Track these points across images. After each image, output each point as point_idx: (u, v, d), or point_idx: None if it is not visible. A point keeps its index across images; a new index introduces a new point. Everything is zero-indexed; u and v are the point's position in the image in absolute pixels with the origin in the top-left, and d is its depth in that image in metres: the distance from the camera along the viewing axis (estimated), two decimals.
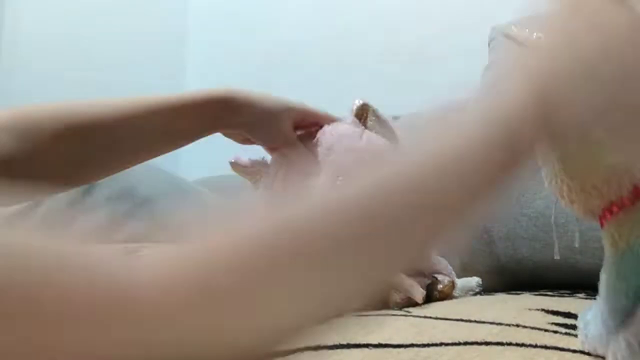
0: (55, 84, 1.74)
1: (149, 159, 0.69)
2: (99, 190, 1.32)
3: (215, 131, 0.68)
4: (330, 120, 0.70)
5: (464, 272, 0.75)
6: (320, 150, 0.65)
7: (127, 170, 1.41)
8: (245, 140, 0.71)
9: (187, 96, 0.64)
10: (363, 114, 0.67)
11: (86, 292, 0.24)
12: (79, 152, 0.60)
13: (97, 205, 1.32)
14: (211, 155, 1.99)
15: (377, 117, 0.67)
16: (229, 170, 1.93)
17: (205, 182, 1.73)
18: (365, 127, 0.66)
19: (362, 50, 1.58)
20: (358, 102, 0.68)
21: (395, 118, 1.24)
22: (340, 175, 0.59)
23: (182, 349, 0.26)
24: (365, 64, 1.57)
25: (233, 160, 0.73)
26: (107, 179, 1.31)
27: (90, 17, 1.89)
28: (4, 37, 1.71)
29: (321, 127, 0.69)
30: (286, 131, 0.67)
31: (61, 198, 1.24)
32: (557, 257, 0.59)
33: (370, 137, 0.65)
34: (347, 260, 0.28)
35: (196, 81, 1.95)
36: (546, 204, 0.60)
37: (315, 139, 0.67)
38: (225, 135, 0.71)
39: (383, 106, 1.34)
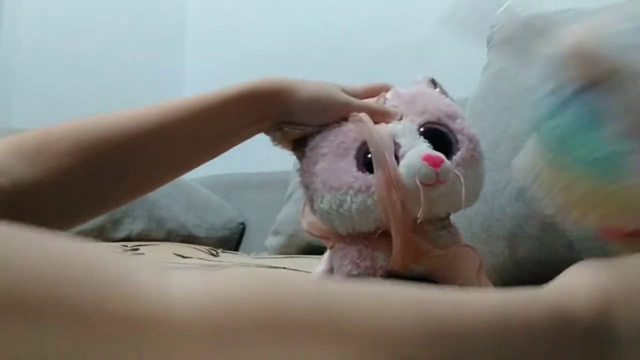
0: (55, 83, 1.74)
1: (185, 168, 0.60)
2: None
3: (259, 126, 0.59)
4: (387, 88, 0.64)
5: None
6: (398, 102, 0.60)
7: None
8: (283, 140, 0.62)
9: (222, 95, 0.57)
10: (435, 85, 0.64)
11: (119, 308, 0.24)
12: (99, 172, 0.53)
13: None
14: None
15: (445, 91, 0.64)
16: (229, 170, 1.92)
17: (205, 182, 1.74)
18: (442, 93, 0.63)
19: (362, 50, 1.59)
20: (426, 76, 0.64)
21: None
22: (431, 120, 0.57)
23: None
24: (365, 63, 1.57)
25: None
26: None
27: (90, 17, 1.89)
28: (4, 37, 1.71)
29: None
30: (341, 99, 0.60)
31: None
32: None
33: (450, 100, 0.62)
34: None
35: (196, 81, 1.95)
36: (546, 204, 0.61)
37: (385, 99, 0.62)
38: (274, 138, 0.62)
39: None
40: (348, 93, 0.62)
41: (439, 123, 0.57)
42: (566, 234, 0.69)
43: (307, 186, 0.60)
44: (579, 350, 0.35)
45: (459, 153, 0.56)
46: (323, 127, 0.60)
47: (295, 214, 1.23)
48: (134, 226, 1.37)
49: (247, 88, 0.57)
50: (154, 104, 0.55)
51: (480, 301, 0.33)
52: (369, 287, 0.32)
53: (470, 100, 0.94)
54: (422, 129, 0.57)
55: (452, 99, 0.62)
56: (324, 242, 0.62)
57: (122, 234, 1.35)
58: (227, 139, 0.59)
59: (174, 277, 0.27)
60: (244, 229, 1.63)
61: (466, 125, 0.58)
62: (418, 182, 0.53)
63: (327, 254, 0.63)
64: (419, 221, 0.54)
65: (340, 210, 0.56)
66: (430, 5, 1.53)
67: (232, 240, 1.58)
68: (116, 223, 1.35)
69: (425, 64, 1.45)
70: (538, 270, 0.71)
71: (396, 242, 0.54)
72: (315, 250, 1.22)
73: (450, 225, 0.60)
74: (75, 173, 0.52)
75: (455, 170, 0.54)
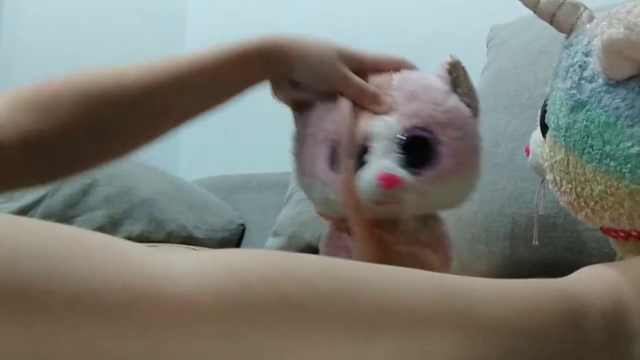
0: None
1: (188, 121, 0.61)
2: (99, 190, 1.33)
3: (261, 82, 0.60)
4: (404, 65, 0.62)
5: (462, 273, 0.75)
6: (397, 93, 0.57)
7: (127, 170, 1.41)
8: (284, 97, 0.63)
9: (222, 52, 0.57)
10: (454, 72, 0.58)
11: (121, 290, 0.24)
12: (105, 124, 0.54)
13: (97, 205, 1.32)
14: (211, 155, 1.99)
15: (468, 83, 0.58)
16: (228, 171, 1.92)
17: (205, 182, 1.74)
18: (455, 89, 0.58)
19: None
20: (451, 58, 0.58)
21: None
22: (419, 125, 0.55)
23: None
24: None
25: None
26: (107, 178, 1.32)
27: (89, 17, 1.89)
28: (4, 37, 1.71)
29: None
30: (339, 70, 0.58)
31: (60, 198, 1.24)
32: (535, 242, 0.59)
33: (456, 102, 0.57)
34: None
35: None
36: (545, 204, 0.60)
37: (391, 80, 0.59)
38: (275, 93, 0.62)
39: None
40: (353, 60, 0.61)
41: (426, 129, 0.54)
42: (566, 234, 0.69)
43: (298, 155, 0.61)
44: (594, 339, 0.35)
45: (436, 167, 0.54)
46: (325, 96, 0.59)
47: (295, 216, 1.23)
48: (134, 227, 1.37)
49: (252, 45, 0.58)
50: (165, 57, 0.57)
51: (526, 295, 0.36)
52: (367, 266, 0.33)
53: None
54: (404, 136, 0.54)
55: (470, 88, 0.58)
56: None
57: (122, 235, 1.35)
58: (231, 92, 0.60)
59: (175, 256, 0.28)
60: (244, 230, 1.63)
61: (460, 135, 0.55)
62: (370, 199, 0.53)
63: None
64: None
65: (310, 193, 0.59)
66: (430, 5, 1.53)
67: (232, 241, 1.58)
68: (116, 224, 1.35)
69: (425, 64, 1.45)
70: (538, 270, 0.71)
71: (356, 236, 0.55)
72: (315, 251, 1.22)
73: (428, 221, 0.59)
74: (84, 123, 0.53)
75: (412, 191, 0.53)
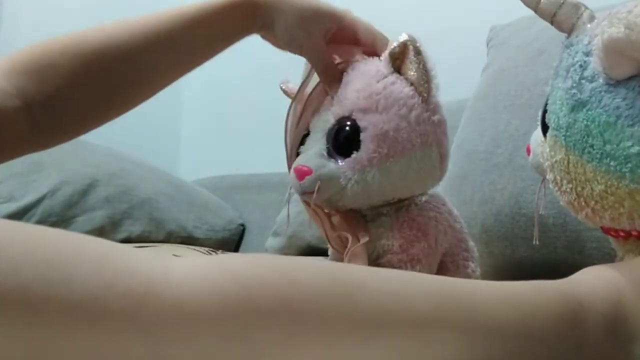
0: None
1: (182, 73, 0.63)
2: (99, 190, 1.33)
3: (250, 33, 0.62)
4: (373, 42, 0.63)
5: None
6: (346, 76, 0.59)
7: (127, 170, 1.41)
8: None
9: (211, 4, 0.59)
10: (401, 54, 0.57)
11: (123, 291, 0.24)
12: (103, 83, 0.56)
13: (97, 205, 1.32)
14: (211, 155, 1.99)
15: (419, 60, 0.57)
16: (228, 171, 1.92)
17: (205, 182, 1.74)
18: (399, 70, 0.57)
19: None
20: (401, 38, 0.57)
21: None
22: (344, 114, 0.57)
23: None
24: None
25: (282, 86, 0.67)
26: (107, 178, 1.32)
27: (89, 17, 1.88)
28: (4, 37, 1.70)
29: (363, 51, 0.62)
30: (314, 40, 0.59)
31: (60, 198, 1.24)
32: (536, 241, 0.59)
33: (393, 84, 0.56)
34: None
35: (195, 80, 1.94)
36: (545, 204, 0.60)
37: (353, 58, 0.61)
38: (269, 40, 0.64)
39: None
40: (347, 31, 0.62)
41: (349, 118, 0.57)
42: (565, 234, 0.69)
43: None
44: (595, 340, 0.36)
45: (358, 154, 0.56)
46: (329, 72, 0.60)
47: (296, 215, 1.23)
48: (134, 227, 1.37)
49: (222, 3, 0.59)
50: (148, 15, 0.59)
51: (528, 297, 0.36)
52: (367, 269, 0.34)
53: (470, 100, 0.94)
54: (334, 126, 0.58)
55: (419, 68, 0.57)
56: None
57: (122, 235, 1.35)
58: (221, 43, 0.62)
59: (175, 262, 0.28)
60: (243, 230, 1.63)
61: (385, 119, 0.55)
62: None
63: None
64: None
65: None
66: (430, 5, 1.53)
67: (232, 241, 1.58)
68: (116, 224, 1.35)
69: None
70: (538, 270, 0.71)
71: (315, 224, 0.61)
72: (315, 251, 1.22)
73: (401, 210, 0.59)
74: (84, 84, 0.55)
75: (333, 179, 0.56)
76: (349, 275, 0.31)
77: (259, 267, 0.29)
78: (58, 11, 1.85)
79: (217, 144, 1.84)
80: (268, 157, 1.73)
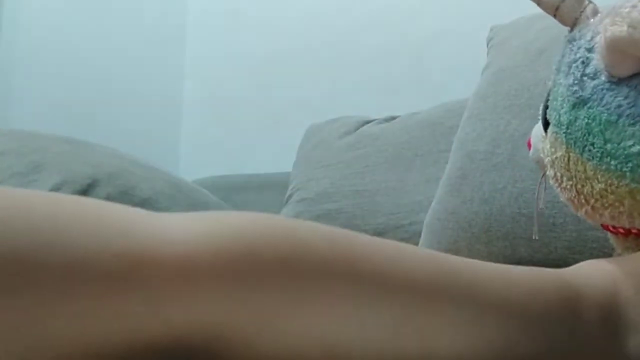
0: (53, 82, 1.74)
1: None
2: (99, 190, 1.32)
3: None
4: None
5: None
6: None
7: (127, 170, 1.41)
8: None
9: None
10: None
11: (121, 250, 0.24)
12: None
13: None
14: (211, 155, 1.99)
15: None
16: (228, 170, 1.92)
17: (205, 182, 1.73)
18: None
19: (362, 50, 1.58)
20: None
21: (394, 118, 1.24)
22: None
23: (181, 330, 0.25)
24: (364, 63, 1.57)
25: None
26: (107, 178, 1.32)
27: (89, 17, 1.89)
28: (3, 37, 1.70)
29: None
30: None
31: None
32: (535, 236, 0.58)
33: None
34: None
35: (196, 80, 1.95)
36: (545, 204, 0.60)
37: None
38: None
39: (383, 106, 1.34)
40: None
41: None
42: (565, 234, 0.69)
43: None
44: (589, 329, 0.36)
45: None
46: None
47: (296, 216, 1.22)
48: None
49: None
50: None
51: (525, 280, 0.36)
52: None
53: (470, 100, 0.93)
54: None
55: None
56: None
57: None
58: None
59: (174, 217, 0.27)
60: None
61: None
62: None
63: None
64: None
65: None
66: (430, 5, 1.53)
67: None
68: None
69: (425, 64, 1.45)
70: None
71: None
72: None
73: None
74: None
75: None
76: (350, 239, 0.31)
77: (261, 225, 0.29)
78: (58, 11, 1.85)
79: (217, 144, 1.83)
80: (268, 157, 1.73)
